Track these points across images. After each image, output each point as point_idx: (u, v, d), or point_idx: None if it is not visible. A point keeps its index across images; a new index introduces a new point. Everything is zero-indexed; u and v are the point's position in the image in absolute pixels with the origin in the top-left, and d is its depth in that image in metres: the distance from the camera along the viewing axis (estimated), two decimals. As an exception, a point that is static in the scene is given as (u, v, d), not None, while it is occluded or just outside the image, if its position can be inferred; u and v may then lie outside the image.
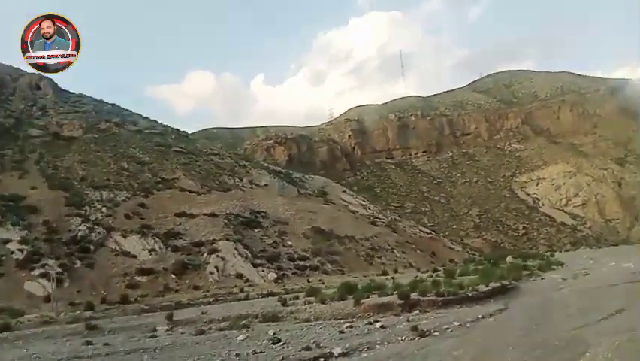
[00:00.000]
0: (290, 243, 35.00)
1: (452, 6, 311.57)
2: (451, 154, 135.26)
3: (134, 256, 28.88)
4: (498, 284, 21.31)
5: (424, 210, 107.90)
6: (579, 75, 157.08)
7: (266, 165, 55.14)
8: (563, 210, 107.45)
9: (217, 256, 30.28)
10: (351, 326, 14.90)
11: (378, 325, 14.76)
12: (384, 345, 12.41)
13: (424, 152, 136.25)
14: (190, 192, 39.97)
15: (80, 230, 30.21)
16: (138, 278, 26.73)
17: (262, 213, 38.59)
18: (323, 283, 29.03)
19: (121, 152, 43.12)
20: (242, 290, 27.02)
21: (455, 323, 14.46)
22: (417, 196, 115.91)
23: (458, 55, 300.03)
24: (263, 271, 30.27)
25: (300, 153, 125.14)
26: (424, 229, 58.82)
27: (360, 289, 21.59)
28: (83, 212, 32.56)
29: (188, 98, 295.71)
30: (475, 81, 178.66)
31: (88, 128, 44.71)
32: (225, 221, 35.22)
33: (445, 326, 14.13)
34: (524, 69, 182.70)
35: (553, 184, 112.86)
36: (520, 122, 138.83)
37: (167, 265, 28.54)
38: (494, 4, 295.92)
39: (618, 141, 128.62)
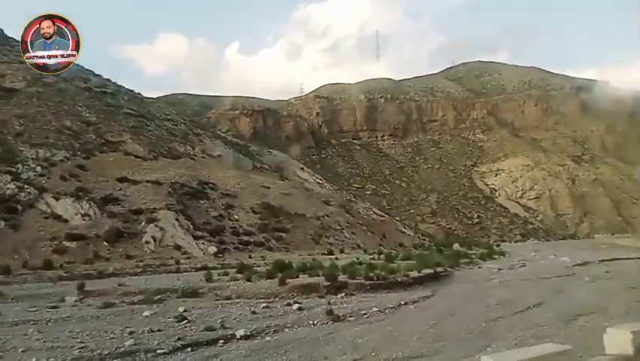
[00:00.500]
0: (236, 217, 34.02)
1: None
2: (416, 139, 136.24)
3: (66, 221, 27.31)
4: (431, 271, 21.14)
5: (384, 193, 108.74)
6: (547, 72, 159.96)
7: (223, 135, 53.47)
8: (517, 202, 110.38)
9: (155, 225, 29.03)
10: (267, 307, 14.30)
11: (295, 307, 14.20)
12: (293, 328, 11.85)
13: (390, 135, 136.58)
14: (136, 157, 38.09)
15: (8, 189, 28.20)
16: (67, 244, 25.29)
17: (210, 185, 37.31)
18: (264, 260, 28.36)
19: (65, 109, 40.56)
20: (177, 262, 26.05)
21: (374, 309, 14.07)
22: (379, 179, 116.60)
23: (436, 41, 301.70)
24: (203, 244, 29.30)
25: (266, 127, 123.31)
26: (377, 212, 58.95)
27: (293, 268, 21.04)
28: (14, 170, 30.43)
29: (158, 60, 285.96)
30: (447, 69, 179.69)
31: (32, 81, 41.88)
32: (169, 190, 33.80)
33: (363, 312, 13.72)
34: (495, 61, 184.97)
35: (510, 176, 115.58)
36: (486, 113, 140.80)
37: (100, 231, 27.17)
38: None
39: (577, 139, 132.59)
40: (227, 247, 30.03)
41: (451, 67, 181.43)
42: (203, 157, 43.84)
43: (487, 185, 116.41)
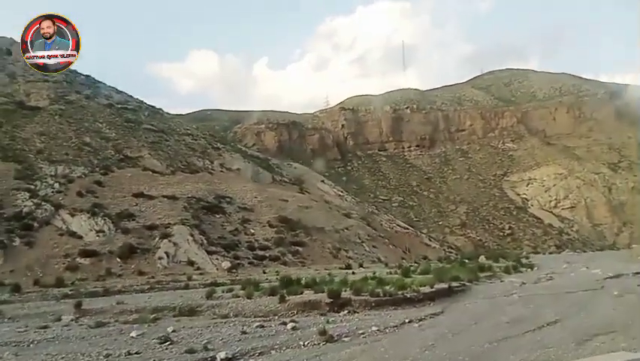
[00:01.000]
0: (252, 231, 33.61)
1: (461, 0, 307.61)
2: (444, 149, 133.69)
3: (80, 237, 27.48)
4: (445, 286, 20.02)
5: (412, 205, 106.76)
6: (579, 77, 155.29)
7: (243, 148, 53.30)
8: (551, 212, 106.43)
9: (169, 240, 28.88)
10: (261, 326, 13.61)
11: (290, 326, 13.46)
12: (280, 350, 11.12)
13: (417, 146, 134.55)
14: (153, 172, 38.36)
15: (25, 206, 28.67)
16: (80, 260, 25.36)
17: (227, 199, 37.11)
18: (277, 275, 27.74)
19: (86, 126, 41.40)
20: (189, 279, 25.70)
21: (374, 328, 13.18)
22: (406, 190, 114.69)
23: (464, 50, 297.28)
24: (217, 259, 28.92)
25: (291, 140, 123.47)
26: (401, 224, 57.56)
27: (300, 284, 20.31)
28: (32, 187, 30.99)
29: (190, 77, 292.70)
30: (475, 77, 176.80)
31: (55, 99, 42.95)
32: (185, 204, 33.75)
33: (361, 331, 12.85)
34: (525, 68, 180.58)
35: (543, 185, 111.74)
36: (516, 121, 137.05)
37: (113, 247, 27.17)
38: (504, 1, 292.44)
39: (613, 145, 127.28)
40: (242, 262, 29.56)
41: (478, 75, 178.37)
42: (221, 171, 43.84)
43: (519, 195, 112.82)
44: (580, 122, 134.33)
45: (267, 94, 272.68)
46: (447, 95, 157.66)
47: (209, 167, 43.86)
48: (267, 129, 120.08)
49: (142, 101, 55.18)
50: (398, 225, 55.63)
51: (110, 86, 52.27)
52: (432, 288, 19.03)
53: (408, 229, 55.84)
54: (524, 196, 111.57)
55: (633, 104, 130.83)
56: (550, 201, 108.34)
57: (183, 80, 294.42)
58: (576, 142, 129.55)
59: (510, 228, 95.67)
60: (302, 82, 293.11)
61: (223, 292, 19.37)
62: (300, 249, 33.16)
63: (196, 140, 49.52)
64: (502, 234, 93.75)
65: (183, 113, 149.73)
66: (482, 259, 41.68)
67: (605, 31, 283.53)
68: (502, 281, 25.85)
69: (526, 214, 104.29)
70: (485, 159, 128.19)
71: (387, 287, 18.88)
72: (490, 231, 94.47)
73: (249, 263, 29.72)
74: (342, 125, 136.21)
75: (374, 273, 28.05)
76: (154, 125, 47.66)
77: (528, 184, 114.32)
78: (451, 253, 53.73)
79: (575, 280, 26.03)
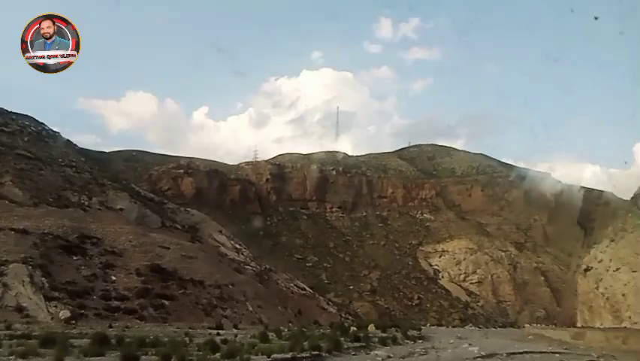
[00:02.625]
0: (114, 278, 29.58)
1: (400, 77, 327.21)
2: (365, 214, 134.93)
3: None
4: (288, 356, 17.51)
5: (326, 266, 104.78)
6: (494, 159, 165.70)
7: (137, 189, 49.26)
8: (460, 285, 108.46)
9: (-1, 281, 24.42)
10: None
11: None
12: None
13: (339, 207, 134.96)
14: (11, 201, 33.62)
15: None
16: None
17: (93, 240, 32.92)
18: (125, 331, 23.97)
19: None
20: (8, 327, 21.33)
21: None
22: (322, 251, 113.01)
23: (398, 123, 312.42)
24: (56, 307, 24.68)
25: (210, 188, 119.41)
26: (300, 285, 54.89)
27: (118, 344, 17.00)
28: None
29: (125, 116, 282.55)
30: (402, 148, 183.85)
31: None
32: (37, 241, 29.26)
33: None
34: (447, 145, 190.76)
35: (454, 258, 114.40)
36: (435, 193, 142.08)
37: None
38: (439, 82, 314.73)
39: (520, 226, 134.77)
40: (87, 313, 25.40)
41: (405, 147, 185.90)
42: (99, 209, 39.57)
43: (431, 265, 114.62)
44: (492, 201, 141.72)
45: (205, 143, 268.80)
46: (373, 162, 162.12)
47: (85, 203, 39.47)
48: (186, 175, 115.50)
49: (28, 125, 50.24)
50: (297, 285, 52.91)
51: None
52: (268, 358, 16.38)
53: (305, 291, 53.22)
54: (436, 267, 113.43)
55: (539, 190, 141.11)
56: (460, 275, 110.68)
57: (117, 119, 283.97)
58: (488, 219, 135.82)
59: (419, 298, 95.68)
60: (240, 135, 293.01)
61: (11, 346, 15.61)
62: (166, 303, 29.45)
63: (79, 173, 45.01)
64: (410, 303, 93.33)
65: (106, 151, 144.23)
66: (371, 327, 39.67)
67: (525, 122, 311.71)
68: (367, 354, 23.71)
69: (436, 285, 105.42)
70: (403, 227, 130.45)
71: (217, 355, 16.10)
72: (399, 299, 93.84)
73: (96, 315, 25.59)
74: (267, 180, 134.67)
75: (235, 335, 25.11)
76: (31, 152, 42.87)
77: (441, 255, 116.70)
78: (347, 319, 51.52)
79: (444, 358, 24.48)
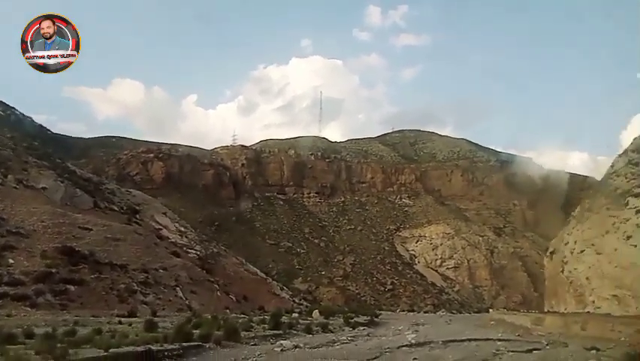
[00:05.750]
0: (12, 261, 26.43)
1: (389, 64, 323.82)
2: (343, 199, 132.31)
3: None
4: (142, 349, 14.61)
5: (299, 252, 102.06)
6: (475, 144, 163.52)
7: (72, 167, 45.66)
8: (436, 270, 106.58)
9: None
10: None
11: None
12: None
13: (316, 193, 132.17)
14: None
15: None
16: None
17: (-4, 220, 29.69)
18: (6, 319, 21.12)
19: None
20: None
21: None
22: (297, 236, 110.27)
23: (387, 110, 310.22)
24: None
25: (182, 173, 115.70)
26: (252, 269, 52.02)
27: None
28: None
29: (111, 104, 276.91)
30: (384, 134, 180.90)
31: None
32: None
33: None
34: (430, 130, 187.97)
35: (431, 243, 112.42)
36: (415, 178, 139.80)
37: None
38: (428, 69, 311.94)
39: (500, 211, 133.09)
40: (-40, 300, 22.27)
41: (388, 133, 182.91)
42: (15, 187, 36.07)
43: (408, 251, 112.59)
44: (472, 186, 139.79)
45: (193, 131, 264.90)
46: (354, 147, 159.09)
47: (-1, 181, 36.00)
48: (156, 159, 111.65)
49: None
50: (247, 270, 50.02)
51: None
52: (105, 351, 13.38)
53: (257, 275, 50.36)
54: (412, 252, 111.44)
55: (520, 175, 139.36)
56: (436, 260, 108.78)
57: (104, 107, 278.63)
58: (467, 204, 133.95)
59: (392, 283, 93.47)
60: (229, 122, 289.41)
61: None
62: (71, 288, 26.39)
63: (2, 150, 41.19)
64: (383, 289, 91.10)
65: (86, 137, 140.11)
66: (315, 313, 37.01)
67: (508, 109, 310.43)
68: (272, 343, 20.88)
69: (412, 271, 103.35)
70: (381, 212, 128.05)
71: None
72: (372, 285, 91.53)
73: (-27, 302, 22.50)
74: (242, 164, 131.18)
75: (130, 324, 22.29)
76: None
77: (417, 241, 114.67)
78: (300, 305, 48.85)
79: (366, 347, 21.83)
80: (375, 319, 43.62)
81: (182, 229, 48.38)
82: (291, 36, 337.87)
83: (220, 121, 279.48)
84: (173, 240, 43.07)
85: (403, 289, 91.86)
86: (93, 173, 77.89)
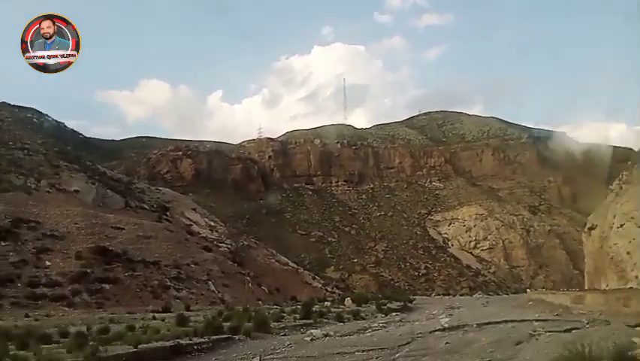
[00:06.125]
0: (48, 263, 27.32)
1: (413, 46, 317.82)
2: (372, 186, 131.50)
3: None
4: (170, 344, 14.77)
5: (330, 241, 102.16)
6: (506, 122, 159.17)
7: (102, 169, 46.77)
8: (471, 252, 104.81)
9: None
10: None
11: None
12: None
13: (345, 181, 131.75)
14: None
15: None
16: None
17: (32, 223, 30.56)
18: (38, 321, 21.63)
19: None
20: None
21: None
22: (327, 225, 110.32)
23: (413, 93, 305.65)
24: (-33, 297, 22.50)
25: (211, 169, 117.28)
26: (283, 260, 52.27)
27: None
28: None
29: (139, 105, 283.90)
30: (410, 117, 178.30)
31: None
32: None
33: None
34: (459, 111, 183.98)
35: (464, 225, 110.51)
36: (444, 161, 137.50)
37: None
38: (453, 48, 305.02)
39: (534, 189, 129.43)
40: (2, 303, 23.11)
41: (414, 116, 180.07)
42: (48, 191, 37.19)
43: (441, 234, 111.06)
44: (504, 165, 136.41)
45: (220, 127, 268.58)
46: (381, 133, 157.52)
47: (32, 186, 37.13)
48: (184, 156, 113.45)
49: (30, 117, 48.32)
50: (279, 261, 50.30)
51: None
52: (135, 349, 13.54)
53: (288, 266, 50.60)
54: (445, 236, 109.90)
55: (555, 151, 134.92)
56: (470, 242, 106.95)
57: (133, 108, 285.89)
58: (500, 184, 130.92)
59: (426, 268, 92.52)
60: (255, 116, 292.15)
61: None
62: (106, 287, 27.08)
63: (30, 155, 42.70)
64: (416, 274, 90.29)
65: (117, 140, 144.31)
66: (347, 301, 36.86)
67: (540, 83, 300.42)
68: (302, 333, 20.84)
69: (445, 254, 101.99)
70: (411, 197, 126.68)
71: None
72: (405, 270, 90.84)
73: (14, 303, 23.29)
74: (269, 157, 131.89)
75: (163, 320, 22.68)
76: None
77: (450, 224, 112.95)
78: (334, 293, 48.87)
79: (397, 332, 21.57)
80: (409, 304, 43.23)
81: (212, 223, 49.02)
82: (312, 25, 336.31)
83: (246, 115, 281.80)
84: (203, 235, 43.70)
85: (437, 273, 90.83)
86: (125, 174, 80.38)
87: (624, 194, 44.24)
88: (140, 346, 13.85)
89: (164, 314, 26.64)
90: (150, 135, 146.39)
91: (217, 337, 17.00)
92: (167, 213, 43.77)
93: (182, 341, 15.10)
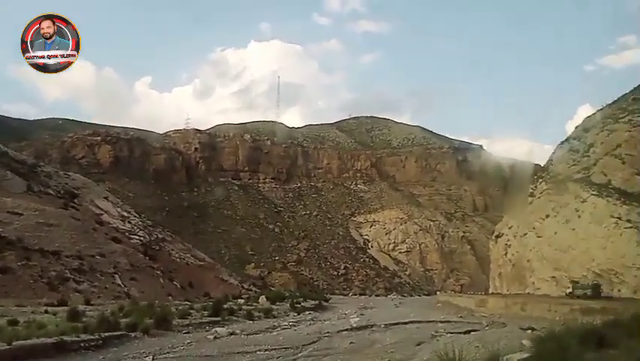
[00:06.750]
0: None
1: (349, 50, 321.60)
2: (299, 185, 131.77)
3: None
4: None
5: (253, 237, 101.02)
6: (430, 131, 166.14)
7: (4, 149, 42.62)
8: (389, 254, 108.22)
9: None
10: None
11: None
12: None
13: (272, 178, 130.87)
14: None
15: None
16: None
17: None
18: None
19: None
20: None
21: None
22: (251, 222, 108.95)
23: (345, 97, 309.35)
24: None
25: (132, 157, 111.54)
26: (200, 255, 50.78)
27: None
28: None
29: (58, 85, 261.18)
30: (341, 120, 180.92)
31: None
32: None
33: None
34: (386, 117, 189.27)
35: (384, 228, 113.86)
36: (370, 165, 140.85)
37: None
38: (388, 55, 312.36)
39: (451, 197, 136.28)
40: None
41: (345, 119, 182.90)
42: None
43: (362, 235, 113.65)
44: (425, 172, 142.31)
45: (146, 114, 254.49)
46: (311, 133, 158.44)
47: None
48: (103, 142, 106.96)
49: None
50: (194, 256, 48.74)
51: None
52: (8, 346, 12.17)
53: (204, 262, 49.22)
54: (366, 237, 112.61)
55: (472, 162, 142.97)
56: (389, 244, 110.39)
57: (51, 88, 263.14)
58: (420, 190, 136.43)
59: (345, 268, 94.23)
60: (185, 106, 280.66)
61: None
62: (-8, 277, 24.57)
63: None
64: (336, 273, 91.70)
65: (30, 119, 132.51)
66: (262, 299, 36.41)
67: (467, 97, 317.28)
68: (206, 331, 20.09)
69: (365, 255, 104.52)
70: (337, 198, 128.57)
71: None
72: (325, 270, 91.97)
73: None
74: (196, 149, 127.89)
75: (55, 314, 20.92)
76: None
77: (372, 226, 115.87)
78: (250, 290, 48.27)
79: (305, 332, 21.50)
80: (324, 303, 43.57)
81: (125, 214, 46.34)
82: (250, 19, 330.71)
83: (175, 105, 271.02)
84: (114, 225, 41.14)
85: (355, 273, 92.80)
86: (35, 156, 74.09)
87: (528, 205, 47.79)
88: (14, 343, 12.52)
89: (59, 308, 24.67)
90: (69, 117, 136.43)
91: (109, 334, 15.87)
92: (75, 201, 40.68)
93: (66, 338, 13.87)
